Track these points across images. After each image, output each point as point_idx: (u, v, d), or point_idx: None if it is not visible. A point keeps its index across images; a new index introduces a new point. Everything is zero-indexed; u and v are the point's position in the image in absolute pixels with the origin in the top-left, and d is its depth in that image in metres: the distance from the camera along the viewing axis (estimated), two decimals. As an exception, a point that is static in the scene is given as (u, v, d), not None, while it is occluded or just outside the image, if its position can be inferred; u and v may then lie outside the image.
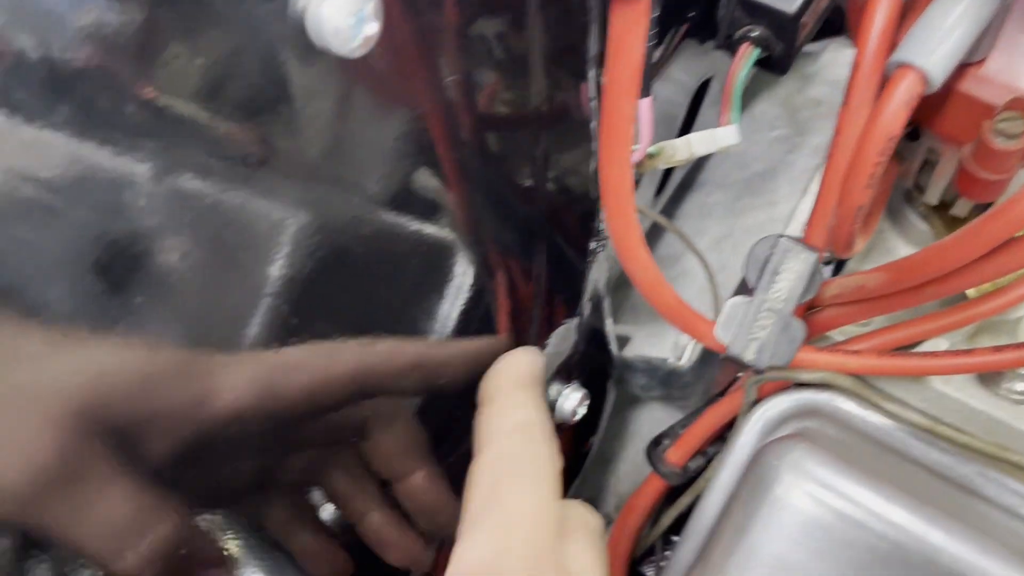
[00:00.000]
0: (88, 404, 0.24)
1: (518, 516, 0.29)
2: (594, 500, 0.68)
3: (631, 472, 0.66)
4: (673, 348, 0.60)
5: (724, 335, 0.35)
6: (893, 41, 0.33)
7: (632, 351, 0.62)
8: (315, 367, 0.31)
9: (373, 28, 0.27)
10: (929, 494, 0.35)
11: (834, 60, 0.70)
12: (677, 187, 0.65)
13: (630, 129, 0.33)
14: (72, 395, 0.24)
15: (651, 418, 0.65)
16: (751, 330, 0.35)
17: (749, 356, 0.35)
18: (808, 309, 0.42)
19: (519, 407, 0.33)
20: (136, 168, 0.26)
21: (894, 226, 0.50)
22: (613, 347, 0.57)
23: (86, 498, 0.25)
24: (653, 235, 0.67)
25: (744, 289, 0.37)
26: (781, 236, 0.36)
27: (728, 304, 0.36)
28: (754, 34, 0.45)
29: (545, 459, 0.31)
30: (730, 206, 0.62)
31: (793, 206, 0.58)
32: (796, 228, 0.59)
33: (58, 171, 0.24)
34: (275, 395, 0.29)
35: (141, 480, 0.27)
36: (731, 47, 0.46)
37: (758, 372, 0.35)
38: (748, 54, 0.45)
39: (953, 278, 0.33)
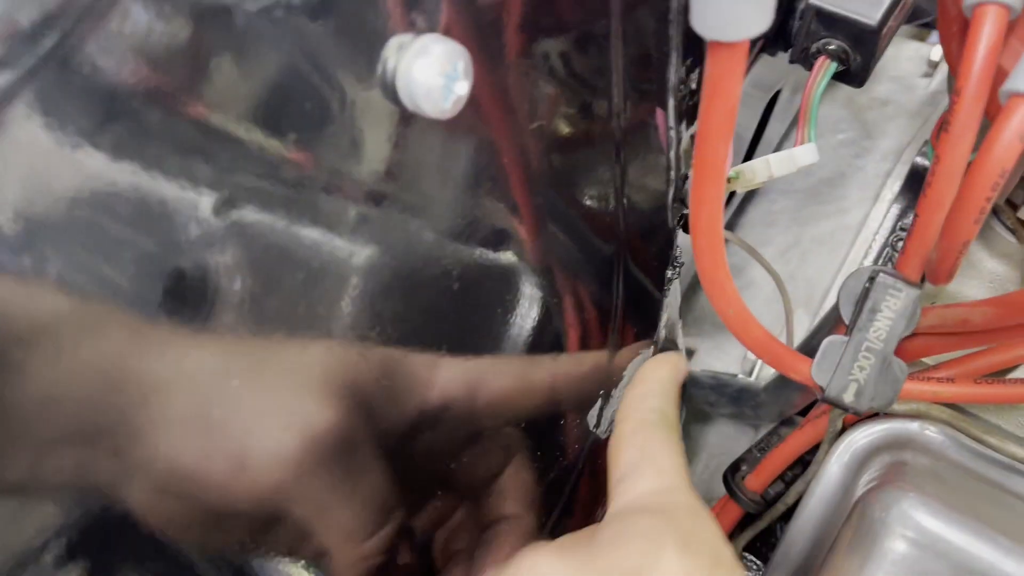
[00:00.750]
0: (350, 385, 0.27)
1: (673, 468, 0.32)
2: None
3: (699, 488, 0.65)
4: (742, 362, 0.58)
5: (821, 377, 0.34)
6: (998, 57, 0.32)
7: (698, 364, 0.61)
8: (517, 373, 0.36)
9: (464, 88, 0.26)
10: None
11: (897, 55, 0.67)
12: (741, 197, 0.63)
13: (724, 169, 0.32)
14: (337, 377, 0.26)
15: (719, 433, 0.63)
16: (850, 371, 0.34)
17: (849, 399, 0.33)
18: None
19: (659, 396, 0.36)
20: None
21: (978, 239, 0.48)
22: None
23: (349, 475, 0.28)
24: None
25: (835, 319, 0.35)
26: (879, 271, 0.34)
27: (825, 344, 0.34)
28: (831, 47, 0.43)
29: (676, 444, 0.34)
30: (795, 214, 0.61)
31: (865, 213, 0.56)
32: (867, 236, 0.57)
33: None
34: (480, 392, 0.33)
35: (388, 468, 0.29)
36: (806, 61, 0.44)
37: (856, 415, 0.34)
38: (825, 69, 0.44)
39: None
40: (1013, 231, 0.46)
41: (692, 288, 0.63)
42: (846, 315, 0.35)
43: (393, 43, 0.26)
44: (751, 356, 0.58)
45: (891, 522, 0.31)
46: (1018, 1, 0.31)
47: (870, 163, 0.59)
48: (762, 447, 0.50)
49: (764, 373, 0.56)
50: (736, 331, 0.37)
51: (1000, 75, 0.31)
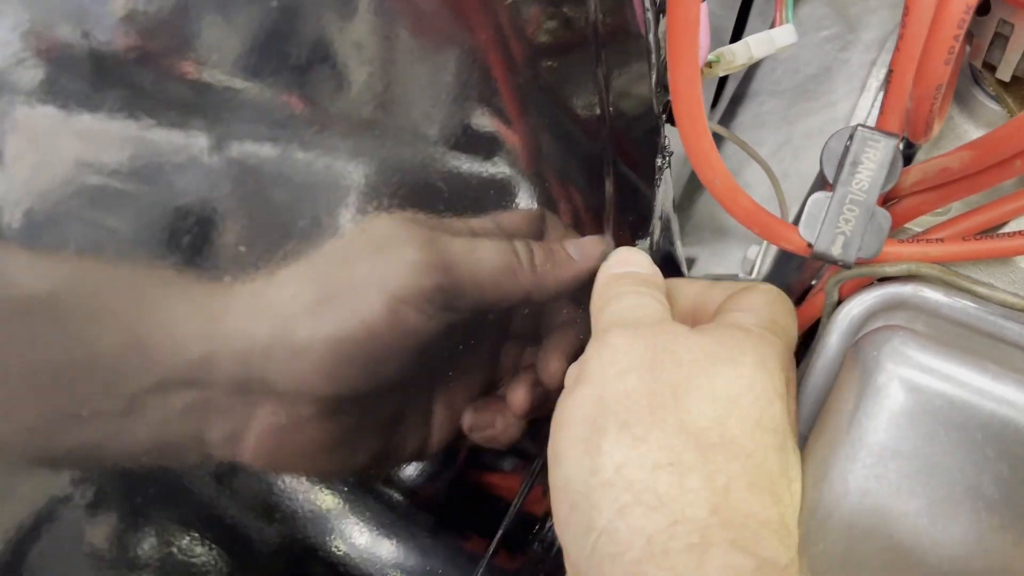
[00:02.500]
0: (395, 285, 0.32)
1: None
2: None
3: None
4: (742, 263, 0.59)
5: (809, 233, 0.35)
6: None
7: (699, 271, 0.62)
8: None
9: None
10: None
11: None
12: (729, 101, 0.64)
13: (696, 31, 0.32)
14: (390, 283, 0.32)
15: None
16: (836, 225, 0.35)
17: (837, 251, 0.34)
18: (886, 201, 0.41)
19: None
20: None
21: (963, 111, 0.48)
22: (684, 269, 0.57)
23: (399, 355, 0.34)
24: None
25: (820, 187, 0.36)
26: (858, 126, 0.35)
27: (809, 202, 0.35)
28: (803, -73, 0.44)
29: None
30: (785, 113, 0.61)
31: (853, 104, 0.57)
32: (857, 127, 0.58)
33: (119, 155, 0.25)
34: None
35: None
36: (780, -56, 0.45)
37: (846, 267, 0.35)
38: (798, -52, 0.44)
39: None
40: (996, 97, 0.46)
41: (689, 196, 0.64)
42: (829, 174, 0.36)
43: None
44: (751, 256, 0.59)
45: (883, 359, 0.32)
46: None
47: (855, 55, 0.59)
48: (765, 334, 0.51)
49: (764, 270, 0.58)
50: (724, 202, 0.38)
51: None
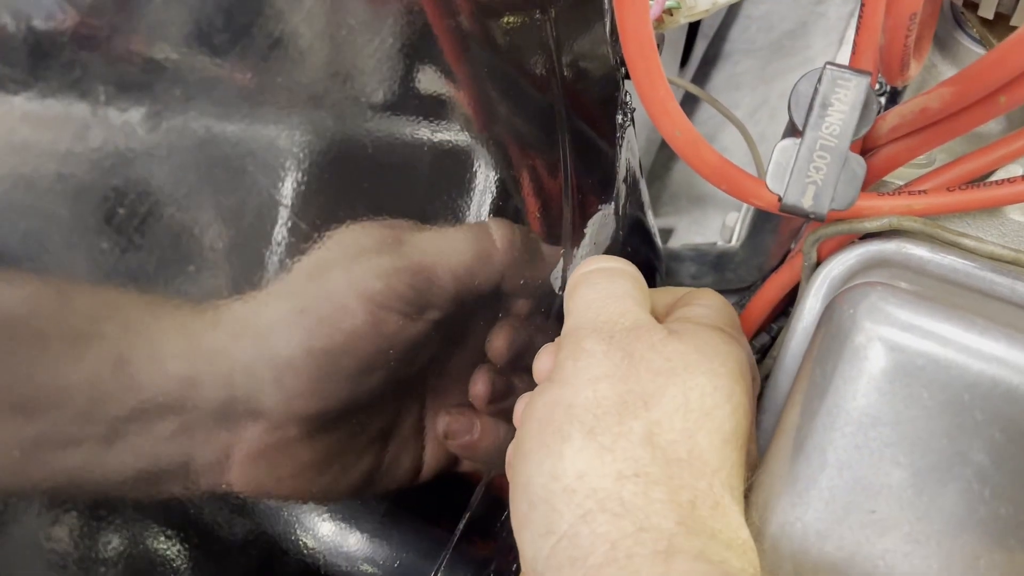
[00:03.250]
0: (371, 292, 0.32)
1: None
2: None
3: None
4: (721, 231, 0.56)
5: (776, 185, 0.32)
6: None
7: (677, 242, 0.59)
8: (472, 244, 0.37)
9: None
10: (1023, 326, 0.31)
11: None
12: (701, 62, 0.61)
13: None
14: (368, 290, 0.31)
15: (706, 308, 0.62)
16: (806, 173, 0.32)
17: (808, 203, 0.32)
18: (863, 152, 0.38)
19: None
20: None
21: (945, 56, 0.46)
22: (657, 238, 0.54)
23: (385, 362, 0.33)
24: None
25: (791, 134, 0.33)
26: (827, 64, 0.32)
27: (776, 149, 0.32)
28: None
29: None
30: (760, 73, 0.58)
31: (831, 58, 0.54)
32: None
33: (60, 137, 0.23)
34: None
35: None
36: None
37: (819, 220, 0.32)
38: None
39: (1028, 79, 0.29)
40: (979, 40, 0.43)
41: (664, 164, 0.61)
42: (798, 119, 0.33)
43: None
44: (729, 223, 0.56)
45: (860, 317, 0.29)
46: None
47: (831, 8, 0.56)
48: (742, 302, 0.48)
49: (743, 235, 0.55)
50: (687, 156, 0.35)
51: None
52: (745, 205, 0.55)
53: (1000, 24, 0.41)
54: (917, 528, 0.29)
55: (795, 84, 0.34)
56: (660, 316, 0.38)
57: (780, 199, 0.32)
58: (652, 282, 0.54)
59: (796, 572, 0.31)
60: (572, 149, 0.39)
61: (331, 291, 0.31)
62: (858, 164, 0.32)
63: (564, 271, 0.41)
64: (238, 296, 0.28)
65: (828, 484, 0.30)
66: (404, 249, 0.33)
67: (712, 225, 0.59)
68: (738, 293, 0.59)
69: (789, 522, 0.31)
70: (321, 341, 0.30)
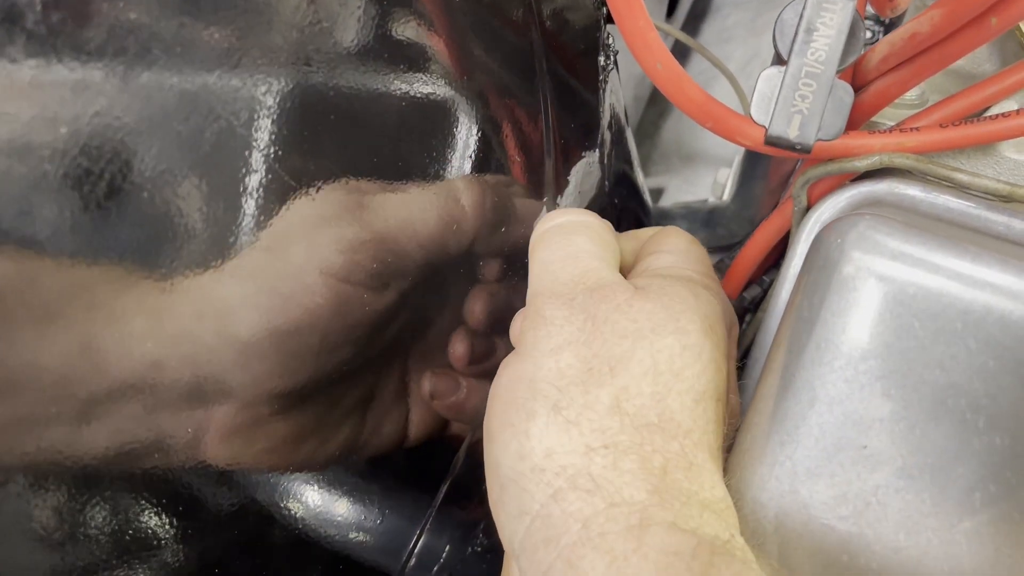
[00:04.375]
0: (333, 267, 0.30)
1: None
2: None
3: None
4: (712, 187, 0.55)
5: (761, 115, 0.31)
6: None
7: (669, 200, 0.58)
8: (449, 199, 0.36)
9: None
10: (1018, 256, 0.30)
11: None
12: (689, 16, 0.59)
13: None
14: (329, 264, 0.30)
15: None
16: (792, 102, 0.31)
17: (793, 132, 0.30)
18: (854, 89, 0.37)
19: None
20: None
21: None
22: (646, 195, 0.53)
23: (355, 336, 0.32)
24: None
25: (777, 64, 0.32)
26: (811, -10, 0.31)
27: (761, 78, 0.31)
28: None
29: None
30: (751, 25, 0.57)
31: (821, 8, 0.53)
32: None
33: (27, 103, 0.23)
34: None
35: None
36: None
37: (805, 151, 0.31)
38: None
39: (1019, -4, 0.28)
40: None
41: (654, 122, 0.60)
42: (783, 48, 0.32)
43: None
44: (720, 180, 0.55)
45: (848, 247, 0.28)
46: None
47: (823, -44, 0.55)
48: (732, 254, 0.47)
49: (734, 190, 0.54)
50: (669, 91, 0.34)
51: None
52: (735, 160, 0.54)
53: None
54: (910, 462, 0.28)
55: (780, 12, 0.33)
56: (628, 266, 0.37)
57: (765, 131, 0.31)
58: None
59: (778, 529, 0.30)
60: (553, 95, 0.38)
61: (291, 267, 0.30)
62: (845, 91, 0.31)
63: (548, 219, 0.40)
64: (200, 272, 0.27)
65: (818, 421, 0.29)
66: (367, 217, 0.31)
67: (703, 183, 0.58)
68: (730, 250, 0.58)
69: (779, 462, 0.30)
70: (283, 320, 0.29)
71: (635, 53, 0.32)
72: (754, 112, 0.31)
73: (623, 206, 0.48)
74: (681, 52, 0.58)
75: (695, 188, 0.58)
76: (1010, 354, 0.27)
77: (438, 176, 0.36)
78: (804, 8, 0.31)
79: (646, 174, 0.58)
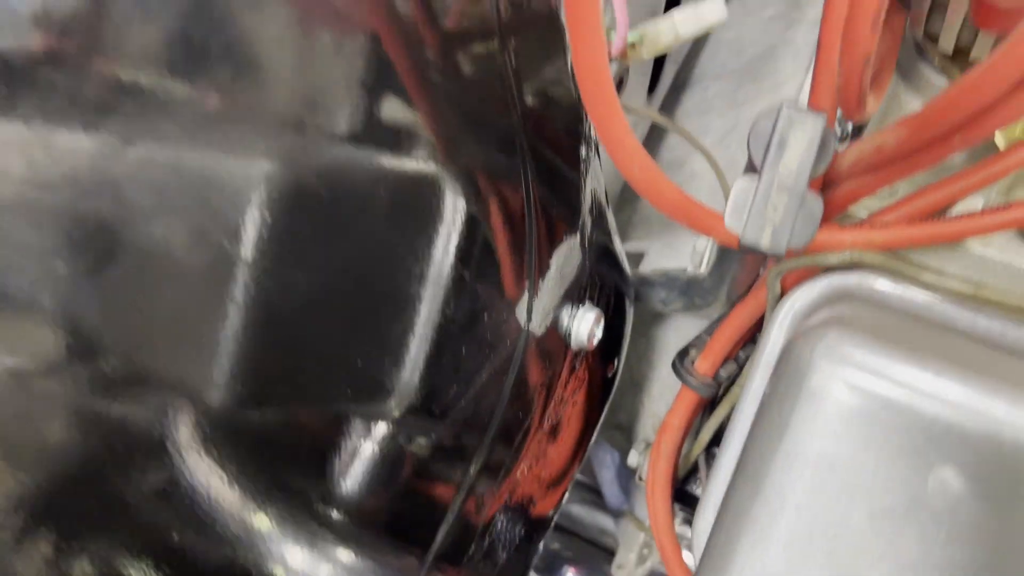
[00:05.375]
0: None
1: None
2: (630, 424, 0.65)
3: (665, 391, 0.63)
4: (691, 255, 0.56)
5: (735, 223, 0.32)
6: None
7: (648, 266, 0.59)
8: None
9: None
10: (982, 364, 0.31)
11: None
12: (671, 87, 0.61)
13: (597, 5, 0.29)
14: None
15: (677, 331, 0.62)
16: (764, 213, 0.32)
17: (765, 242, 0.32)
18: (824, 189, 0.38)
19: None
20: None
21: (908, 85, 0.46)
22: (625, 264, 0.54)
23: None
24: (653, 140, 0.63)
25: (751, 170, 0.33)
26: (783, 104, 0.32)
27: (735, 188, 0.32)
28: None
29: None
30: (731, 97, 0.58)
31: (799, 84, 0.54)
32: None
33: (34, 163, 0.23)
34: None
35: None
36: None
37: (778, 259, 0.32)
38: (725, -82, 0.41)
39: (980, 120, 0.29)
40: (942, 71, 0.43)
41: (631, 192, 0.61)
42: (756, 157, 0.33)
43: None
44: (700, 248, 0.56)
45: (817, 359, 0.29)
46: None
47: (800, 34, 0.57)
48: (710, 330, 0.48)
49: (712, 260, 0.55)
50: (645, 192, 0.35)
51: None
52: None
53: (960, 57, 0.42)
54: (876, 570, 0.29)
55: (753, 122, 0.34)
56: None
57: (739, 237, 0.32)
58: (621, 307, 0.54)
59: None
60: (536, 182, 0.39)
61: None
62: (816, 203, 0.32)
63: (530, 304, 0.41)
64: None
65: (787, 526, 0.30)
66: None
67: (683, 248, 0.59)
68: (709, 319, 0.59)
69: (749, 564, 0.30)
70: None
71: (613, 158, 0.33)
72: (728, 220, 0.32)
73: (603, 281, 0.49)
74: (660, 131, 0.59)
75: (676, 253, 0.59)
76: (970, 469, 0.28)
77: (430, 257, 0.37)
78: (776, 122, 0.32)
79: (628, 238, 0.59)
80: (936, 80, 0.44)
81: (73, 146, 0.24)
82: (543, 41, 0.38)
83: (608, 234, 0.47)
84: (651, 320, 0.62)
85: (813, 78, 0.34)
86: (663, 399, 0.63)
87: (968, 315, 0.37)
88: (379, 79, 0.33)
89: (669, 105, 0.60)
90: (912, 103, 0.46)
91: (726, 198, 0.52)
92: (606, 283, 0.51)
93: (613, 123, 0.32)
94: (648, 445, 0.61)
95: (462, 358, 0.39)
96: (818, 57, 0.33)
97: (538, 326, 0.42)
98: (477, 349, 0.40)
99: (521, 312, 0.41)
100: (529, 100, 0.38)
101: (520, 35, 0.36)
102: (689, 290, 0.54)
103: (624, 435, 0.67)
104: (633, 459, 0.61)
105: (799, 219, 0.32)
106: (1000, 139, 0.40)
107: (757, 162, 0.33)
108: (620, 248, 0.51)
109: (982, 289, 0.35)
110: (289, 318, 0.32)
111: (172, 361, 0.30)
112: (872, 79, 0.33)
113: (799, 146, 0.31)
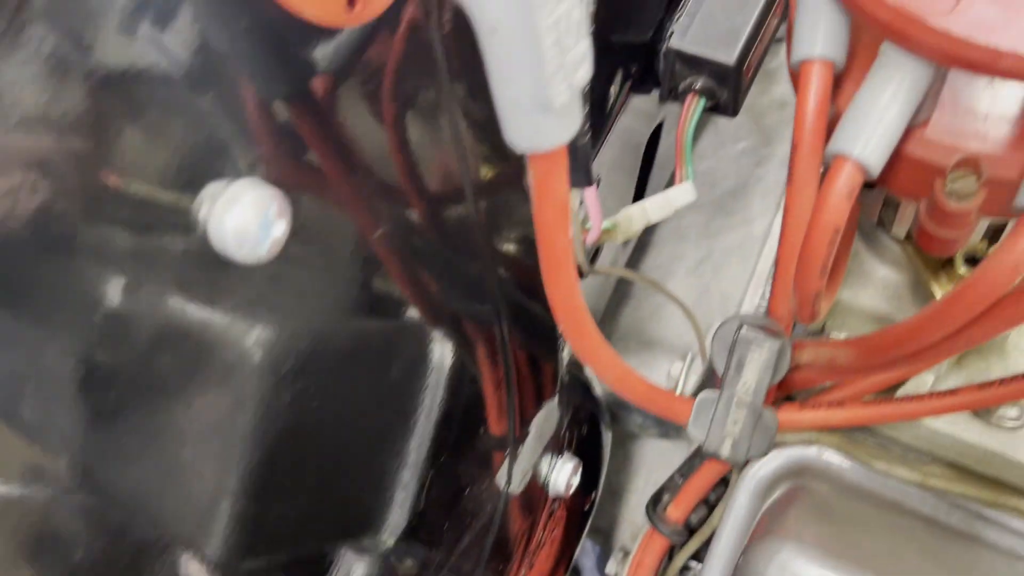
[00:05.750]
0: None
1: None
2: (609, 531, 0.68)
3: (643, 502, 0.65)
4: (666, 380, 0.59)
5: (698, 433, 0.35)
6: (828, 110, 0.32)
7: (625, 386, 0.61)
8: None
9: (280, 229, 0.26)
10: (927, 549, 0.34)
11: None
12: (649, 214, 0.64)
13: (568, 254, 0.32)
14: None
15: (654, 447, 0.64)
16: (724, 426, 0.34)
17: (725, 453, 0.34)
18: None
19: None
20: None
21: (869, 248, 0.49)
22: (597, 389, 0.56)
23: None
24: (632, 263, 0.66)
25: (712, 377, 0.36)
26: (743, 324, 0.35)
27: (698, 401, 0.35)
28: (698, 85, 0.44)
29: None
30: (705, 228, 0.61)
31: (768, 223, 0.57)
32: (773, 245, 0.58)
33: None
34: None
35: None
36: (676, 98, 0.45)
37: (736, 467, 0.34)
38: (695, 105, 0.44)
39: (925, 354, 0.32)
40: (898, 241, 0.46)
41: (615, 308, 0.64)
42: (719, 366, 0.36)
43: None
44: (674, 373, 0.59)
45: (772, 574, 0.32)
46: (840, 54, 0.32)
47: (770, 171, 0.59)
48: (684, 472, 0.51)
49: (688, 390, 0.57)
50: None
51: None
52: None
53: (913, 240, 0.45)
54: None
55: (716, 329, 0.36)
56: None
57: (702, 444, 0.35)
58: (597, 438, 0.57)
59: None
60: (514, 351, 0.42)
61: None
62: (771, 419, 0.34)
63: (510, 470, 0.43)
64: None
65: None
66: None
67: (660, 369, 0.61)
68: (684, 438, 0.61)
69: None
70: None
71: (591, 367, 0.36)
72: (691, 428, 0.35)
73: (577, 413, 0.51)
74: (637, 257, 0.62)
75: (653, 373, 0.61)
76: None
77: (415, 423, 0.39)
78: (735, 342, 0.35)
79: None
80: (893, 248, 0.47)
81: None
82: (515, 227, 0.40)
83: (580, 368, 0.50)
84: (628, 437, 0.64)
85: (773, 287, 0.36)
86: (640, 509, 0.66)
87: (917, 494, 0.40)
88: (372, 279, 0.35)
89: (648, 230, 0.63)
90: (872, 265, 0.49)
91: (698, 339, 0.55)
92: (579, 414, 0.53)
93: (590, 345, 0.35)
94: (627, 555, 0.63)
95: (444, 525, 0.42)
96: (777, 274, 0.35)
97: (516, 487, 0.44)
98: (459, 518, 0.42)
99: (502, 479, 0.43)
100: (504, 269, 0.41)
101: (495, 220, 0.38)
102: (665, 420, 0.57)
103: (603, 537, 0.70)
104: (611, 568, 0.63)
105: (757, 432, 0.34)
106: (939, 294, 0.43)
107: (718, 370, 0.36)
108: (594, 375, 0.53)
109: (929, 478, 0.38)
110: (288, 473, 0.34)
111: (173, 514, 0.32)
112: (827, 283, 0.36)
113: (757, 366, 0.34)
